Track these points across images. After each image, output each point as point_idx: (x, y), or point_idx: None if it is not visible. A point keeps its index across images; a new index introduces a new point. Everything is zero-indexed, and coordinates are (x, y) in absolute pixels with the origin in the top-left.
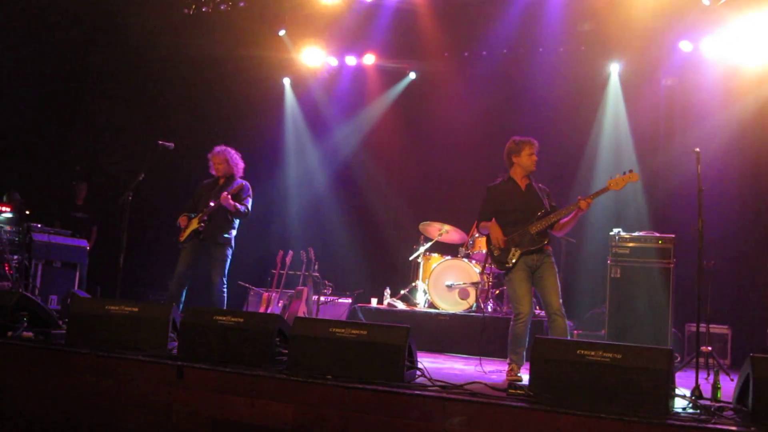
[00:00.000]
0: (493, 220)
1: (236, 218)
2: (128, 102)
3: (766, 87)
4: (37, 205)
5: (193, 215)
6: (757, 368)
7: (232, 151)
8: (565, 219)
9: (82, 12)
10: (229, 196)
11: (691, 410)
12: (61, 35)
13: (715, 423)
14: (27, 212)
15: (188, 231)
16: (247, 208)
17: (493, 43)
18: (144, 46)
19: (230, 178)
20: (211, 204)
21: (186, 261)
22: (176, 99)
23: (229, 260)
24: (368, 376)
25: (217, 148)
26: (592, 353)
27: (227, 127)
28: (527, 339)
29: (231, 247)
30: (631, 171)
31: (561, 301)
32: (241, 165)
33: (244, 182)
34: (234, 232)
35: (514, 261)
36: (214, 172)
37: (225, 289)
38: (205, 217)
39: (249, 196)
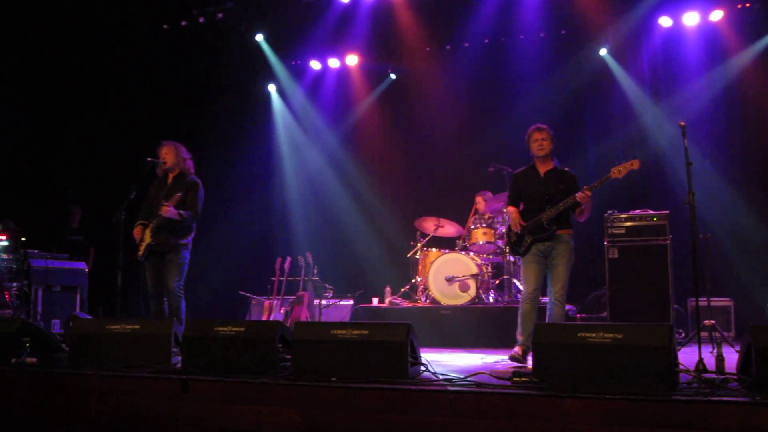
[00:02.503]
0: (513, 207)
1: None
2: (115, 121)
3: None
4: (33, 231)
5: (146, 224)
6: (757, 337)
7: (181, 146)
8: (580, 207)
9: (64, 35)
10: (171, 208)
11: (695, 384)
12: (42, 57)
13: (720, 395)
14: (23, 239)
15: (144, 246)
16: (195, 211)
17: (474, 34)
18: (127, 64)
19: (179, 175)
20: (160, 213)
21: (152, 279)
22: (163, 114)
23: (185, 264)
24: (373, 376)
25: (167, 141)
26: (593, 335)
27: (217, 138)
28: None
29: (187, 249)
30: (634, 158)
31: (563, 290)
32: (190, 162)
33: (194, 180)
34: (189, 234)
35: (526, 247)
36: (162, 167)
37: (181, 296)
38: (155, 229)
39: (197, 195)
